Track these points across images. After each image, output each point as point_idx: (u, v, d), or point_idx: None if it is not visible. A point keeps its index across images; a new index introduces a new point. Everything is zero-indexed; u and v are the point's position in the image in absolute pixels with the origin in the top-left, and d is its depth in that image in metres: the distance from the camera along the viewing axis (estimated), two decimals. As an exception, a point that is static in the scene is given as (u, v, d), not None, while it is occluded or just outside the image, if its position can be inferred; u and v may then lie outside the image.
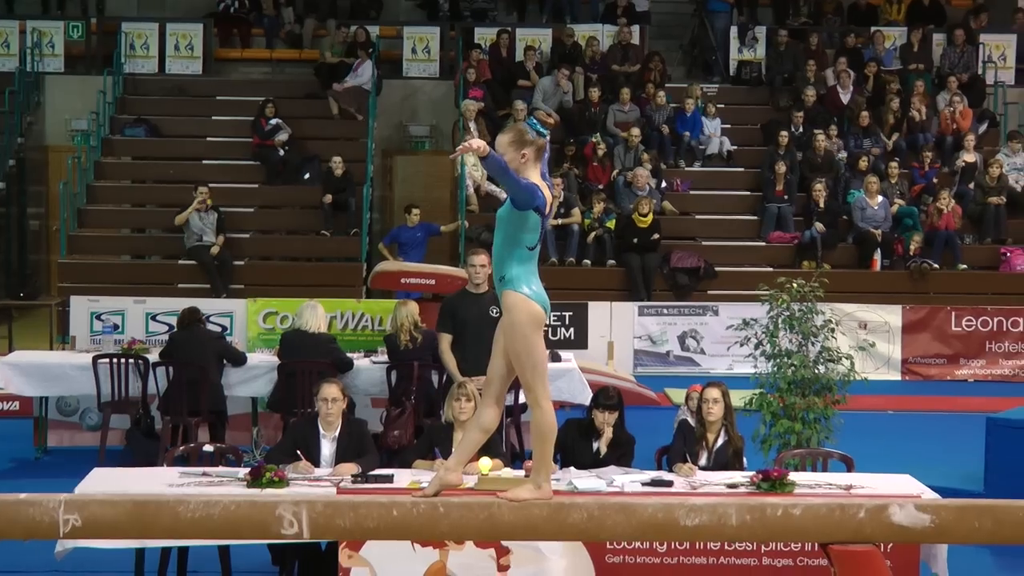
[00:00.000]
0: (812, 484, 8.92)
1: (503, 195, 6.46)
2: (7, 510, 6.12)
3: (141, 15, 25.01)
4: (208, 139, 22.70)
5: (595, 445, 9.90)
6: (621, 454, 9.74)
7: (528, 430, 13.18)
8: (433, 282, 15.13)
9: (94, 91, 22.49)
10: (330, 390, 9.74)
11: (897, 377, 18.80)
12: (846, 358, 12.04)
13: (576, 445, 9.88)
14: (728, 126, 22.69)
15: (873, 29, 24.53)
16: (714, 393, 9.93)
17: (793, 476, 8.98)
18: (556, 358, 13.62)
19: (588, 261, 20.00)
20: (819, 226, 20.28)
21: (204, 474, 9.00)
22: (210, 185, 19.88)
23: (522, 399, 12.61)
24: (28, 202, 23.38)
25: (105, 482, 8.79)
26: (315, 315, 12.82)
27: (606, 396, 10.12)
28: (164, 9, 25.45)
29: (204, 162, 22.15)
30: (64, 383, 13.32)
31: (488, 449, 9.51)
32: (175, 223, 19.62)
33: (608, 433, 9.94)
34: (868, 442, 12.47)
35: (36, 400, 13.69)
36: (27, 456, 13.64)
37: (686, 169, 22.08)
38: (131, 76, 23.59)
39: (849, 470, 9.90)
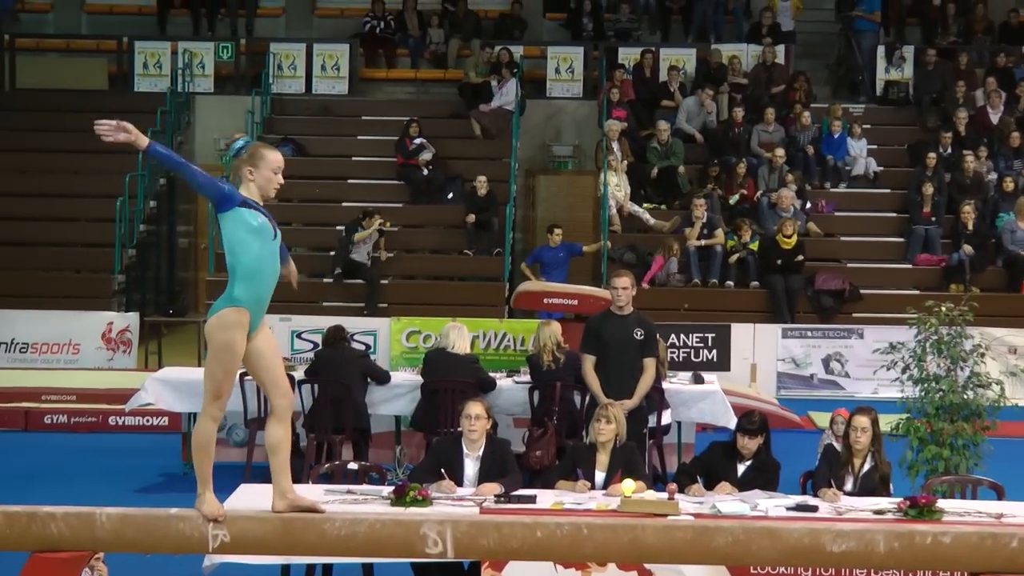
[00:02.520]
0: (961, 512, 8.75)
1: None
2: (158, 524, 6.23)
3: (289, 36, 25.41)
4: (353, 158, 22.96)
5: (739, 468, 9.81)
6: (767, 479, 9.63)
7: (671, 452, 13.13)
8: (576, 302, 15.14)
9: (242, 111, 22.88)
10: (474, 407, 9.75)
11: (1048, 403, 18.37)
12: (996, 383, 11.83)
13: (720, 468, 9.81)
14: (874, 147, 22.42)
15: (1024, 48, 24.14)
16: (863, 422, 9.76)
17: (941, 503, 8.82)
18: (699, 380, 13.53)
19: (731, 283, 19.88)
20: (967, 248, 19.92)
21: (348, 492, 9.05)
22: (356, 204, 20.04)
23: (665, 420, 12.57)
24: (177, 220, 23.81)
25: (252, 498, 8.83)
26: (460, 336, 12.86)
27: (749, 420, 10.03)
28: (311, 30, 25.83)
29: (349, 181, 22.40)
30: (211, 399, 13.46)
31: (630, 471, 9.50)
32: (354, 239, 19.66)
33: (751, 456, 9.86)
34: (1019, 470, 12.17)
35: (184, 416, 13.86)
36: (176, 471, 13.81)
37: (831, 190, 21.85)
38: (278, 96, 23.97)
39: (1000, 498, 9.70)
